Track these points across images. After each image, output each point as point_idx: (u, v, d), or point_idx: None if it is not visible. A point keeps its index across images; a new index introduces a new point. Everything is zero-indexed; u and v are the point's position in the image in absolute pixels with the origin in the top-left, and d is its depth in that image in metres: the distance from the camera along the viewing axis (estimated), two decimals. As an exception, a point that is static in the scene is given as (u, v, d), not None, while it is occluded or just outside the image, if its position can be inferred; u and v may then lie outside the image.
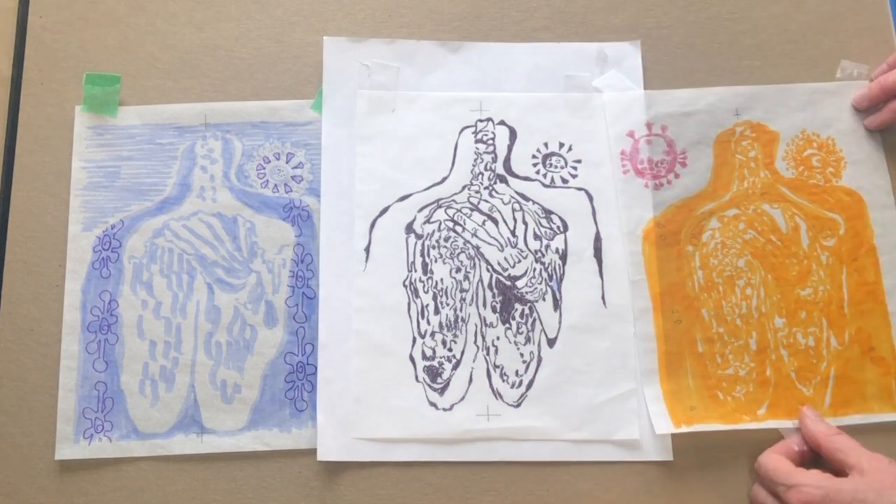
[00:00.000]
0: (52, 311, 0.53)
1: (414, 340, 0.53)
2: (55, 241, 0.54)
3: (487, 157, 0.55)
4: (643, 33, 0.58)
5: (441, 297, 0.53)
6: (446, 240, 0.54)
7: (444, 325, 0.53)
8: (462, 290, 0.53)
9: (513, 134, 0.56)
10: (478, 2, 0.58)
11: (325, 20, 0.58)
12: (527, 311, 0.53)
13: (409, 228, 0.54)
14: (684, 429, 0.51)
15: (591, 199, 0.55)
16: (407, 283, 0.53)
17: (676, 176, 0.55)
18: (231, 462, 0.51)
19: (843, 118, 0.57)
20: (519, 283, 0.53)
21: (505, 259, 0.54)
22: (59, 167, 0.55)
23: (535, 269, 0.54)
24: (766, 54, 0.58)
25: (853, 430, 0.50)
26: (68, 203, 0.55)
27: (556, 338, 0.53)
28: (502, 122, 0.56)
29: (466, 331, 0.53)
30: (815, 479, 0.47)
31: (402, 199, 0.55)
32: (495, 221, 0.54)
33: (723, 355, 0.53)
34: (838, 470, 0.48)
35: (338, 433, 0.51)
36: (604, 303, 0.53)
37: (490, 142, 0.56)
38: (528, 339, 0.53)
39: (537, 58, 0.57)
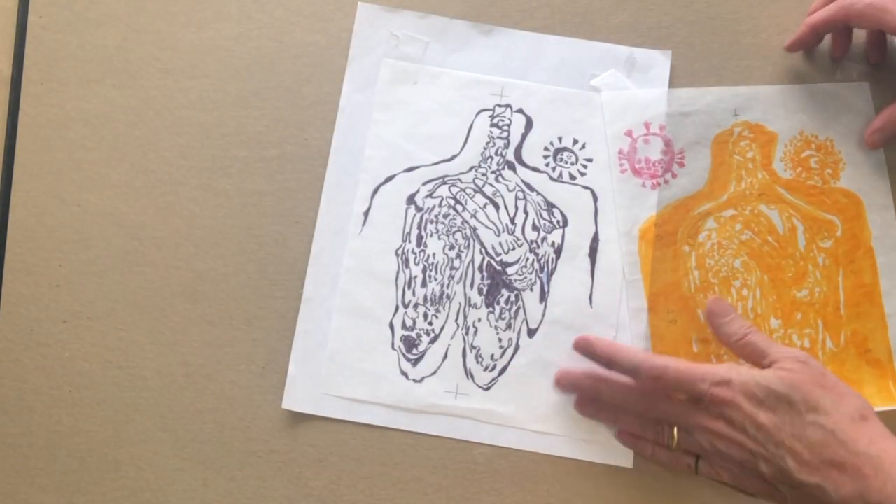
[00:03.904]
0: (52, 311, 0.53)
1: (396, 309, 0.53)
2: (55, 241, 0.54)
3: (500, 142, 0.56)
4: (643, 33, 0.58)
5: (430, 271, 0.54)
6: (445, 216, 0.55)
7: (428, 298, 0.54)
8: (452, 268, 0.54)
9: (529, 123, 0.56)
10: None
11: (326, 20, 0.58)
12: (512, 298, 0.53)
13: (411, 200, 0.55)
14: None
15: (595, 198, 0.55)
16: (399, 252, 0.54)
17: (674, 176, 0.55)
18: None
19: (843, 119, 0.57)
20: (510, 270, 0.54)
21: (500, 244, 0.54)
22: (60, 167, 0.55)
23: (527, 259, 0.54)
24: (766, 54, 0.58)
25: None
26: (68, 203, 0.55)
27: (537, 329, 0.53)
28: (520, 111, 0.56)
29: (450, 308, 0.54)
30: (746, 373, 0.47)
31: (409, 170, 0.55)
32: (496, 206, 0.55)
33: (718, 356, 0.53)
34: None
35: (307, 386, 0.52)
36: (590, 302, 0.53)
37: (505, 127, 0.56)
38: (508, 326, 0.53)
39: (566, 53, 0.57)
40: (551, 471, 0.52)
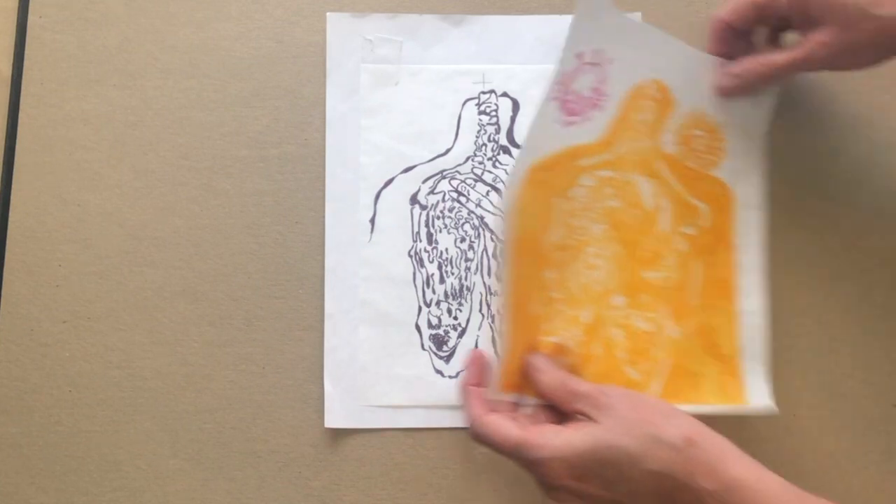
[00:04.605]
0: (52, 311, 0.53)
1: (420, 309, 0.54)
2: (55, 241, 0.54)
3: (491, 129, 0.56)
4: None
5: (446, 266, 0.54)
6: (450, 210, 0.55)
7: (449, 293, 0.54)
8: (467, 260, 0.54)
9: (515, 105, 0.56)
10: None
11: (325, 20, 0.58)
12: None
13: (414, 199, 0.55)
14: (502, 396, 0.48)
15: None
16: (412, 252, 0.54)
17: (588, 119, 0.51)
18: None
19: (741, 111, 0.53)
20: None
21: None
22: (60, 167, 0.55)
23: None
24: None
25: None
26: (68, 203, 0.55)
27: None
28: (505, 94, 0.57)
29: (472, 299, 0.54)
30: (547, 444, 0.43)
31: (407, 170, 0.55)
32: (499, 191, 0.55)
33: (554, 322, 0.50)
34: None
35: (345, 401, 0.52)
36: None
37: (493, 113, 0.56)
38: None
39: (539, 30, 0.58)
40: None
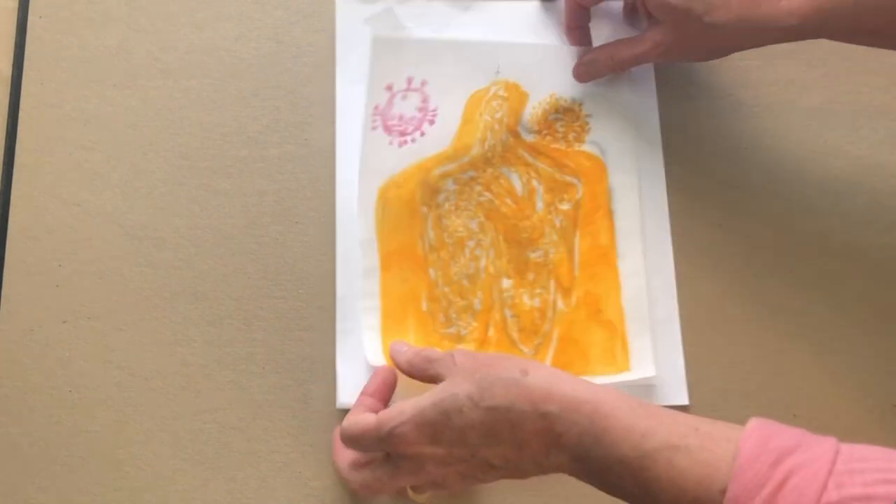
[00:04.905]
0: (53, 311, 0.53)
1: (416, 303, 0.53)
2: (55, 241, 0.54)
3: (500, 114, 0.56)
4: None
5: (443, 258, 0.54)
6: (461, 194, 0.55)
7: (449, 276, 0.54)
8: (478, 242, 0.54)
9: (524, 90, 0.56)
10: None
11: (326, 20, 0.58)
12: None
13: (412, 181, 0.55)
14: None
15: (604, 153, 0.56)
16: (411, 235, 0.54)
17: (422, 134, 0.55)
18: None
19: (593, 84, 0.56)
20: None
21: (519, 211, 0.55)
22: (60, 167, 0.55)
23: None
24: (766, 53, 0.58)
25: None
26: (68, 203, 0.55)
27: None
28: (513, 79, 0.57)
29: (473, 281, 0.54)
30: (398, 414, 0.42)
31: (406, 161, 0.55)
32: (508, 178, 0.55)
33: (447, 314, 0.53)
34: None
35: (358, 383, 0.51)
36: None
37: (502, 98, 0.56)
38: (543, 288, 0.54)
39: (546, 14, 0.58)
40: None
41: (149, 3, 0.58)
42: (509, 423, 0.41)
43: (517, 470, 0.42)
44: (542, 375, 0.41)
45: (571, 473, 0.41)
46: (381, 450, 0.44)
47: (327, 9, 0.58)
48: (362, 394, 0.49)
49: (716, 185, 0.57)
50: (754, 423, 0.38)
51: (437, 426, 0.41)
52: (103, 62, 0.57)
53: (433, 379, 0.45)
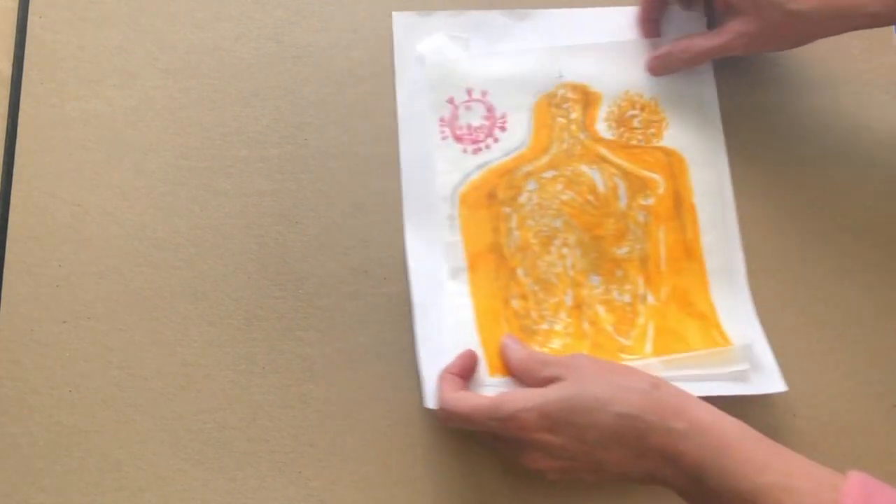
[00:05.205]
0: (53, 311, 0.53)
1: (506, 301, 0.54)
2: (55, 241, 0.54)
3: (562, 120, 0.57)
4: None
5: (529, 257, 0.54)
6: (543, 193, 0.55)
7: (537, 275, 0.54)
8: (550, 249, 0.54)
9: (585, 96, 0.57)
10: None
11: (325, 19, 0.58)
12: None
13: (493, 184, 0.55)
14: (490, 380, 0.51)
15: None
16: (496, 236, 0.55)
17: (495, 140, 0.56)
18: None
19: (668, 79, 0.57)
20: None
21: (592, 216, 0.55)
22: (60, 167, 0.55)
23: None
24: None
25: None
26: (68, 203, 0.55)
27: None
28: (574, 85, 0.57)
29: (561, 279, 0.54)
30: (524, 400, 0.44)
31: (482, 166, 0.56)
32: (576, 183, 0.56)
33: (538, 311, 0.54)
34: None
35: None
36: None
37: (565, 105, 0.57)
38: (632, 284, 0.54)
39: (603, 23, 0.58)
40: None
41: (149, 3, 0.58)
42: (636, 431, 0.42)
43: (623, 476, 0.44)
44: (672, 392, 0.43)
45: (677, 491, 0.43)
46: (491, 429, 0.45)
47: (327, 9, 0.59)
48: (448, 372, 0.49)
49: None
50: (856, 479, 0.38)
51: (559, 420, 0.43)
52: (103, 62, 0.57)
53: (543, 382, 0.46)
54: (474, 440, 0.52)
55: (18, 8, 0.58)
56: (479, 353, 0.52)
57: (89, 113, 0.56)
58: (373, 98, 0.57)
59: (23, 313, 0.53)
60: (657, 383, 0.44)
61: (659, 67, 0.56)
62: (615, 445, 0.43)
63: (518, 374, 0.49)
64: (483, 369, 0.51)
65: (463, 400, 0.46)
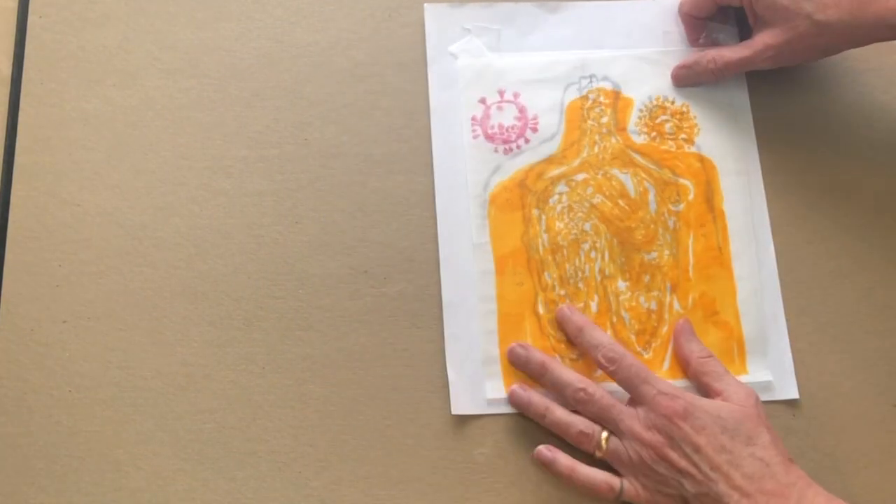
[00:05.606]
0: (53, 311, 0.53)
1: (537, 295, 0.54)
2: (55, 241, 0.54)
3: (594, 113, 0.57)
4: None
5: (560, 251, 0.54)
6: (573, 196, 0.55)
7: (565, 278, 0.54)
8: (581, 243, 0.54)
9: (616, 91, 0.57)
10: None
11: (325, 19, 0.58)
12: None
13: (523, 186, 0.55)
14: (502, 394, 0.52)
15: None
16: (525, 238, 0.54)
17: (527, 141, 0.56)
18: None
19: (700, 86, 0.57)
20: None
21: (622, 212, 0.55)
22: (60, 167, 0.55)
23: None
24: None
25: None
26: (68, 203, 0.55)
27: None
28: (606, 79, 0.57)
29: (588, 284, 0.54)
30: (678, 390, 0.48)
31: (513, 157, 0.56)
32: (607, 177, 0.56)
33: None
34: (702, 393, 0.50)
35: (468, 389, 0.52)
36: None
37: (596, 99, 0.57)
38: (659, 290, 0.54)
39: (635, 16, 0.59)
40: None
41: (149, 3, 0.58)
42: (764, 474, 0.45)
43: None
44: (801, 472, 0.47)
45: None
46: (633, 392, 0.49)
47: (327, 9, 0.58)
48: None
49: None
50: None
51: (707, 429, 0.46)
52: (103, 62, 0.57)
53: (708, 373, 0.50)
54: (475, 440, 0.52)
55: (18, 8, 0.58)
56: (495, 368, 0.52)
57: (89, 113, 0.56)
58: (373, 98, 0.58)
59: (23, 313, 0.53)
60: (792, 459, 0.47)
61: (684, 78, 0.56)
62: (742, 478, 0.45)
63: (680, 360, 0.52)
64: (495, 385, 0.52)
65: (626, 351, 0.50)
